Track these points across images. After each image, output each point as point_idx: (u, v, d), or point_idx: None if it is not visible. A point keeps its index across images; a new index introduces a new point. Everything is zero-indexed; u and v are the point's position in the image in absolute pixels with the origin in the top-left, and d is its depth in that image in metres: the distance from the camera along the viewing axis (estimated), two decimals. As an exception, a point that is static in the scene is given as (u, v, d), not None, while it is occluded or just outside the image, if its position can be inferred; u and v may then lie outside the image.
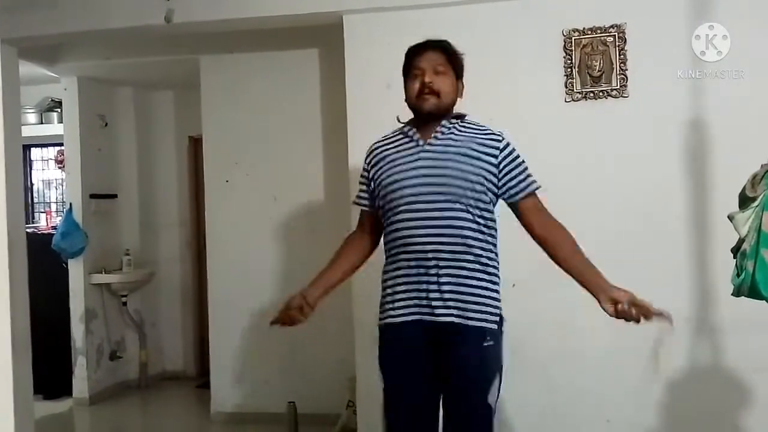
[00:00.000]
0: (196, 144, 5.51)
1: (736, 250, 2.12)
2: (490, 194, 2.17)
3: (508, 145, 2.20)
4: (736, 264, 2.11)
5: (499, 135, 2.22)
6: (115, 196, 5.45)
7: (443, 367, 2.14)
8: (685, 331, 3.19)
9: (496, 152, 2.16)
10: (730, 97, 3.13)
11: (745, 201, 2.09)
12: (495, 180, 2.17)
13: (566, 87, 3.35)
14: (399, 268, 2.19)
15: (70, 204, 5.08)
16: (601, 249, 3.20)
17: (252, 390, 4.55)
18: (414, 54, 2.23)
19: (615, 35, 3.29)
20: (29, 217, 6.10)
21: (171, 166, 5.75)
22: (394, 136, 2.29)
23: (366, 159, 2.34)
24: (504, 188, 2.19)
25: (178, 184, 5.75)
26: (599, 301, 2.06)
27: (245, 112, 4.57)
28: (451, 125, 2.20)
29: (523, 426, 3.36)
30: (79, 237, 5.00)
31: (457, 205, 2.11)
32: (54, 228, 5.29)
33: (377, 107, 3.45)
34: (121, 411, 5.09)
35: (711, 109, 3.16)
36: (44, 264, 4.81)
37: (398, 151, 2.22)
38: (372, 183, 2.28)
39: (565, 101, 3.35)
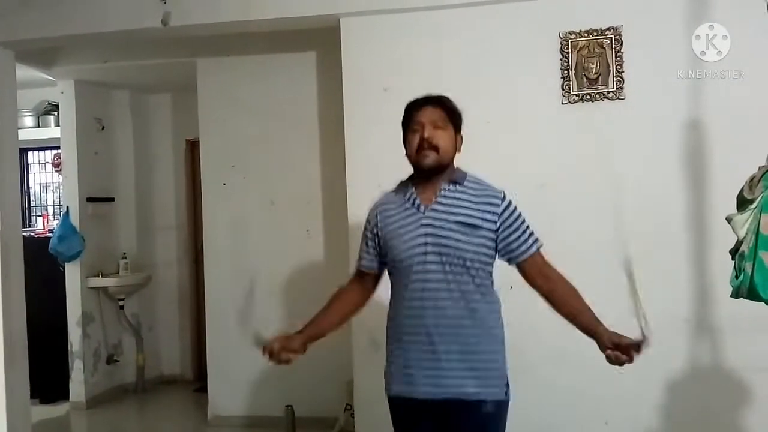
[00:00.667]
0: (193, 147, 5.51)
1: (734, 252, 2.12)
2: (491, 260, 2.19)
3: (507, 206, 2.19)
4: (734, 266, 2.11)
5: (498, 196, 2.19)
6: (112, 199, 5.45)
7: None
8: (684, 332, 3.19)
9: (495, 218, 2.15)
10: (727, 99, 3.13)
11: (743, 203, 2.09)
12: (494, 246, 2.17)
13: (563, 89, 3.35)
14: (400, 340, 2.19)
15: (67, 207, 5.08)
16: (599, 251, 3.23)
17: (249, 394, 4.54)
18: (413, 109, 2.22)
19: (611, 37, 3.29)
20: (26, 220, 6.10)
21: (168, 170, 5.75)
22: (396, 197, 2.27)
23: (370, 217, 2.32)
24: (503, 251, 2.19)
25: (176, 188, 5.75)
26: (601, 343, 2.07)
27: (242, 115, 4.56)
28: (451, 190, 2.19)
29: (522, 428, 3.34)
30: (76, 240, 5.00)
31: (462, 277, 2.12)
32: (51, 231, 5.28)
33: (374, 110, 3.46)
34: (118, 415, 5.08)
35: (708, 111, 3.16)
36: (41, 268, 4.80)
37: (401, 216, 2.22)
38: (377, 241, 2.28)
39: (562, 103, 3.35)
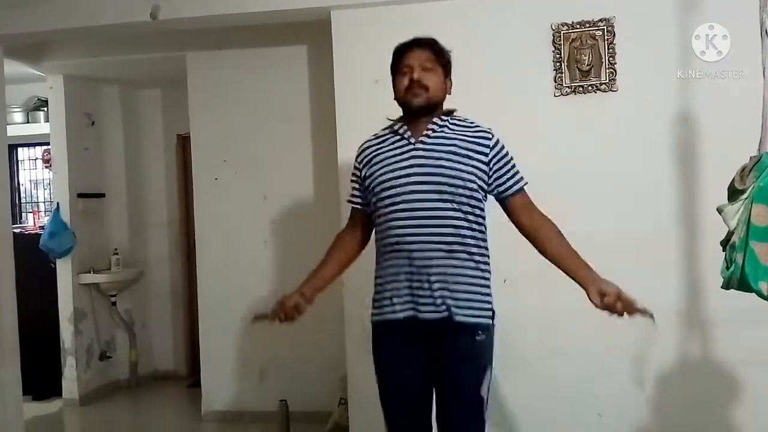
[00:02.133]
0: (184, 142, 5.48)
1: (725, 243, 2.12)
2: (480, 192, 2.20)
3: (497, 142, 2.23)
4: (725, 257, 2.11)
5: (488, 132, 2.25)
6: (102, 195, 5.42)
7: (436, 361, 2.17)
8: (674, 325, 3.20)
9: (487, 150, 2.19)
10: (718, 90, 3.13)
11: (734, 193, 2.09)
12: (485, 177, 2.20)
13: (555, 81, 3.34)
14: (391, 266, 2.21)
15: (58, 204, 5.05)
16: (591, 242, 3.22)
17: (243, 389, 4.53)
18: (402, 52, 2.25)
19: (604, 29, 3.28)
20: (17, 217, 6.06)
21: (159, 165, 5.72)
22: (385, 134, 2.30)
23: (357, 158, 2.35)
24: (494, 185, 2.22)
25: (167, 183, 5.72)
26: (587, 293, 2.10)
27: (233, 110, 4.54)
28: (442, 122, 2.23)
29: (515, 420, 3.36)
30: (67, 237, 4.97)
31: (450, 204, 2.14)
32: (42, 228, 5.25)
33: (366, 103, 3.45)
34: (112, 411, 5.07)
35: (700, 103, 3.16)
36: (32, 264, 4.76)
37: (390, 150, 2.24)
38: (364, 181, 2.30)
39: (554, 95, 3.34)
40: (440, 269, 2.14)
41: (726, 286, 2.11)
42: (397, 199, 2.17)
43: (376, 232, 2.30)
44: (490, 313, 2.20)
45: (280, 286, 4.37)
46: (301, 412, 4.18)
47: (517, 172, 2.26)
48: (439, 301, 2.13)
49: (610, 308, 2.04)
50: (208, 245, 4.61)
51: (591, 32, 3.31)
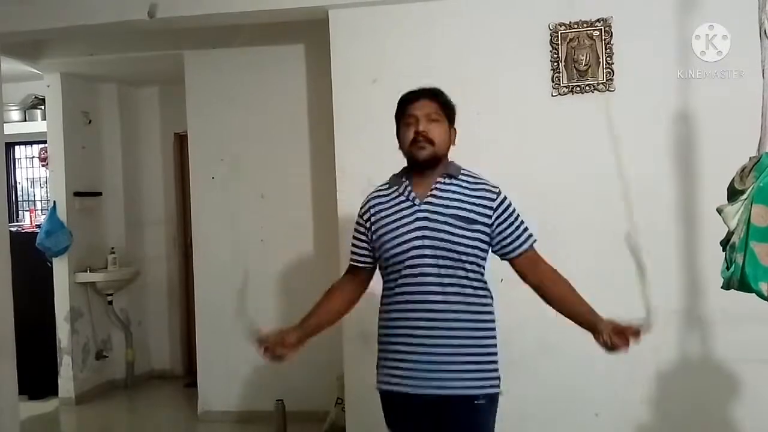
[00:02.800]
0: (181, 140, 5.47)
1: (725, 243, 2.11)
2: (485, 254, 2.17)
3: (502, 201, 2.18)
4: (725, 257, 2.10)
5: (494, 190, 2.19)
6: (99, 193, 5.40)
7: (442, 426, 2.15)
8: (674, 324, 3.20)
9: (490, 212, 2.15)
10: (717, 90, 3.13)
11: (734, 194, 2.08)
12: (488, 240, 2.16)
13: (553, 81, 3.34)
14: (395, 329, 2.17)
15: (54, 202, 5.03)
16: (589, 243, 3.23)
17: (240, 388, 4.52)
18: (407, 102, 2.20)
19: (601, 29, 3.28)
20: (14, 215, 6.04)
21: (156, 163, 5.71)
22: (389, 190, 2.24)
23: (362, 213, 2.28)
24: (498, 246, 2.18)
25: (164, 182, 5.71)
26: (595, 336, 2.08)
27: (231, 108, 4.53)
28: (447, 183, 2.17)
29: (513, 420, 3.34)
30: (63, 235, 4.95)
31: (454, 272, 2.11)
32: (38, 226, 5.23)
33: (363, 102, 3.45)
34: (108, 411, 5.06)
35: (698, 102, 3.16)
36: (28, 263, 4.76)
37: (395, 210, 2.19)
38: (369, 235, 2.24)
39: (552, 95, 3.34)
40: (440, 340, 2.10)
41: (726, 286, 2.10)
42: (402, 266, 2.14)
43: (383, 281, 2.25)
44: (497, 382, 2.17)
45: (277, 285, 4.39)
46: (298, 412, 4.17)
47: (525, 230, 2.20)
48: (437, 375, 2.09)
49: (609, 347, 2.02)
50: (205, 244, 4.60)
51: (588, 32, 3.30)
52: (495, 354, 2.18)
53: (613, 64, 3.28)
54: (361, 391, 3.43)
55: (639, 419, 3.28)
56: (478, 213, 2.13)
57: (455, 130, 2.24)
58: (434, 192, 2.15)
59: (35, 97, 5.51)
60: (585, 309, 2.13)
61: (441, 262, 2.10)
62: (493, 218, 2.14)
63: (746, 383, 3.15)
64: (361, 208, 2.29)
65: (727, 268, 2.07)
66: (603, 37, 3.29)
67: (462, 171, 2.21)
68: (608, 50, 3.28)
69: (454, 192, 2.16)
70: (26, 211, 6.07)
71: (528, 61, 3.37)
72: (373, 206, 2.25)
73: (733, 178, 2.10)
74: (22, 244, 4.75)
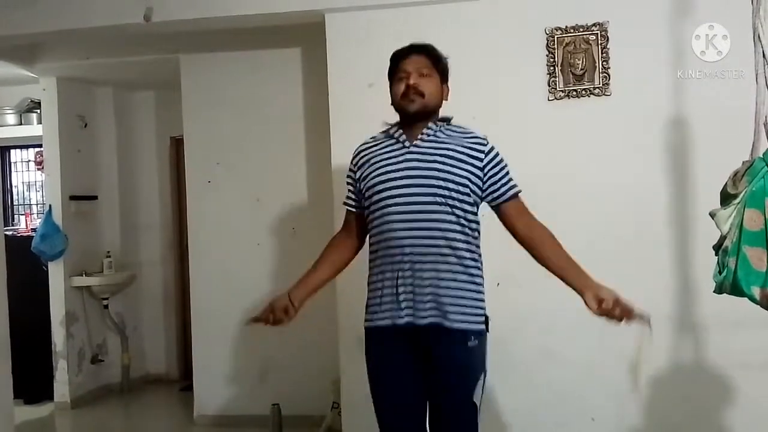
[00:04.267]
0: (177, 144, 5.46)
1: (717, 248, 2.12)
2: (474, 196, 2.19)
3: (492, 149, 2.23)
4: (717, 261, 2.11)
5: (483, 139, 2.25)
6: (95, 197, 5.39)
7: (428, 367, 2.17)
8: (667, 329, 3.20)
9: (481, 155, 2.19)
10: (711, 95, 3.14)
11: (726, 198, 2.09)
12: (480, 183, 2.20)
13: (549, 85, 3.35)
14: (383, 271, 2.20)
15: (50, 206, 5.02)
16: (583, 247, 3.21)
17: (236, 392, 4.51)
18: (399, 57, 2.25)
19: (597, 33, 3.29)
20: (9, 219, 6.02)
21: (152, 167, 5.70)
22: (380, 137, 2.31)
23: (352, 161, 2.35)
24: (488, 191, 2.22)
25: (160, 186, 5.70)
26: (584, 299, 2.10)
27: (227, 112, 4.53)
28: (437, 127, 2.23)
29: (508, 424, 3.36)
30: (59, 239, 4.94)
31: (443, 207, 2.14)
32: (34, 230, 5.22)
33: (360, 106, 3.45)
34: (104, 415, 5.03)
35: (693, 107, 3.17)
36: (24, 267, 4.75)
37: (384, 152, 2.24)
38: (358, 183, 2.30)
39: (548, 100, 3.35)
40: (431, 274, 2.13)
41: (718, 290, 2.11)
42: (390, 201, 2.17)
43: (369, 236, 2.29)
44: (482, 319, 2.19)
45: (273, 289, 4.38)
46: (294, 416, 4.16)
47: (512, 179, 2.26)
48: (429, 306, 2.13)
49: (608, 314, 2.04)
50: (201, 248, 4.59)
51: (585, 36, 3.31)
52: (482, 292, 2.21)
53: (609, 68, 3.29)
54: (357, 395, 3.42)
55: (635, 424, 3.28)
56: (469, 155, 2.18)
57: (448, 87, 2.29)
58: (424, 136, 2.20)
59: (31, 101, 5.49)
60: (576, 268, 2.16)
61: (428, 198, 2.13)
62: (485, 162, 2.19)
63: (740, 388, 3.15)
64: (352, 160, 2.36)
65: (720, 273, 2.08)
66: (599, 42, 3.30)
67: (452, 120, 2.27)
68: (604, 54, 3.29)
69: (445, 135, 2.21)
70: (22, 214, 6.05)
71: (524, 66, 3.38)
72: (362, 151, 2.31)
73: (726, 183, 2.11)
74: (18, 247, 4.73)
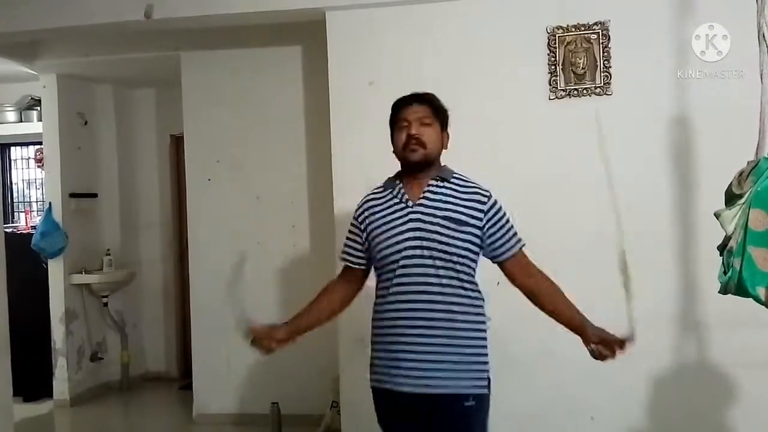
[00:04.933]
0: (177, 142, 5.45)
1: (722, 248, 2.11)
2: (476, 256, 2.20)
3: (493, 205, 2.21)
4: (722, 262, 2.10)
5: (485, 194, 2.22)
6: (95, 195, 5.38)
7: (431, 429, 2.17)
8: (670, 329, 3.20)
9: (481, 215, 2.18)
10: (714, 94, 3.13)
11: (731, 198, 2.08)
12: (479, 242, 2.19)
13: (550, 84, 3.34)
14: (387, 327, 2.20)
15: (50, 203, 5.02)
16: (585, 246, 3.23)
17: (235, 391, 4.51)
18: (400, 106, 2.24)
19: (599, 33, 3.28)
20: (9, 216, 6.02)
21: (152, 165, 5.69)
22: (384, 191, 2.28)
23: (357, 215, 2.32)
24: (489, 249, 2.22)
25: (160, 183, 5.69)
26: (583, 340, 2.14)
27: (227, 110, 4.52)
28: (439, 186, 2.20)
29: (508, 423, 3.34)
30: (59, 237, 4.94)
31: (447, 272, 2.14)
32: (33, 228, 5.21)
33: (360, 104, 3.44)
34: (103, 413, 5.03)
35: (695, 106, 3.16)
36: (24, 264, 4.74)
37: (388, 211, 2.22)
38: (364, 236, 2.28)
39: (549, 99, 3.34)
40: (435, 341, 2.12)
41: (723, 291, 2.10)
42: (396, 266, 2.16)
43: (376, 281, 2.28)
44: (484, 383, 2.19)
45: (273, 288, 4.38)
46: (293, 415, 4.16)
47: (514, 235, 2.23)
48: (430, 374, 2.12)
49: (597, 357, 2.09)
50: (201, 246, 4.58)
51: (586, 35, 3.30)
52: (486, 355, 2.20)
53: (610, 67, 3.28)
54: (356, 394, 3.41)
55: (635, 423, 3.27)
56: (470, 216, 2.16)
57: (448, 134, 2.28)
58: (426, 194, 2.19)
59: (31, 98, 5.49)
60: (575, 314, 2.17)
61: (434, 262, 2.13)
62: (485, 221, 2.18)
63: (742, 388, 3.14)
64: (356, 210, 2.33)
65: (725, 273, 2.07)
66: (600, 41, 3.29)
67: (454, 174, 2.25)
68: (605, 54, 3.28)
69: (445, 195, 2.19)
70: (22, 212, 6.05)
71: (525, 65, 3.36)
72: (368, 208, 2.28)
73: (731, 183, 2.09)
74: (18, 245, 4.73)
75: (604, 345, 2.06)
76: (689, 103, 3.17)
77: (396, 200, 2.22)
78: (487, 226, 2.18)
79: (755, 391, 3.13)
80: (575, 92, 3.31)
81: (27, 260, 4.85)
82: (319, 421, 4.08)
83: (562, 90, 3.33)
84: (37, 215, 5.71)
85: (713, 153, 3.06)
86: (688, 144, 3.17)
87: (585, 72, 3.31)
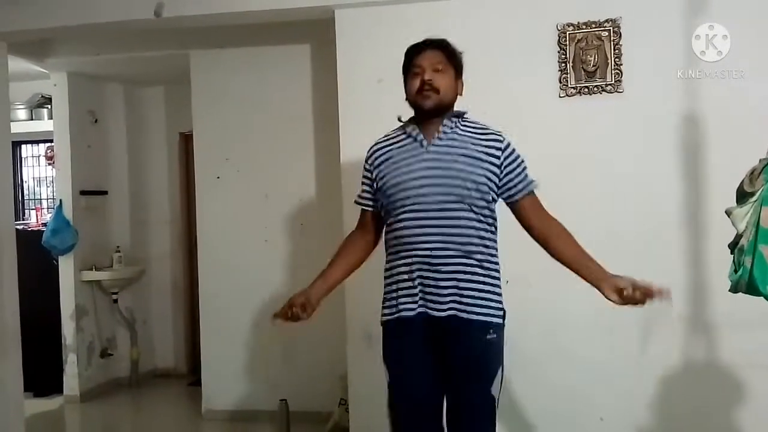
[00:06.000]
0: (186, 140, 5.47)
1: (733, 246, 2.10)
2: (492, 194, 2.21)
3: (509, 145, 2.24)
4: (733, 260, 2.09)
5: (500, 135, 2.25)
6: (105, 192, 5.41)
7: (447, 360, 2.18)
8: (679, 328, 3.18)
9: (498, 153, 2.20)
10: (726, 92, 3.11)
11: (743, 196, 2.07)
12: (497, 180, 2.20)
13: (560, 82, 3.32)
14: (403, 265, 2.21)
15: (60, 201, 5.04)
16: (595, 245, 3.20)
17: (244, 388, 4.52)
18: (413, 53, 2.24)
19: (610, 30, 3.26)
20: (20, 214, 6.05)
21: (161, 163, 5.71)
22: (396, 135, 2.30)
23: (368, 159, 2.34)
24: (504, 188, 2.23)
25: (169, 181, 5.71)
26: (602, 292, 2.11)
27: (236, 108, 4.53)
28: (453, 125, 2.22)
29: (517, 423, 3.34)
30: (69, 234, 4.97)
31: (462, 205, 2.15)
32: (44, 225, 5.24)
33: (369, 102, 3.44)
34: (112, 409, 5.06)
35: (707, 104, 3.14)
36: (34, 261, 4.77)
37: (402, 152, 2.24)
38: (375, 183, 2.29)
39: (560, 96, 3.33)
40: (450, 268, 2.14)
41: (734, 289, 2.09)
42: (409, 201, 2.18)
43: (386, 233, 2.30)
44: (501, 313, 2.21)
45: (281, 285, 4.38)
46: (302, 412, 4.16)
47: (528, 175, 2.26)
48: (448, 299, 2.14)
49: (631, 301, 2.05)
50: (210, 243, 4.60)
51: (597, 33, 3.29)
52: (499, 287, 2.23)
53: (621, 65, 3.26)
54: (365, 392, 3.43)
55: (644, 424, 3.26)
56: (487, 154, 2.18)
57: (462, 81, 2.28)
58: (441, 135, 2.20)
59: (42, 96, 5.52)
60: (590, 262, 2.16)
61: (447, 198, 2.14)
62: (502, 159, 2.20)
63: (752, 388, 3.12)
64: (367, 155, 2.35)
65: (735, 272, 2.06)
66: (611, 38, 3.27)
67: (469, 117, 2.27)
68: (617, 51, 3.26)
69: (461, 134, 2.21)
70: (32, 209, 6.09)
71: (535, 62, 3.35)
72: (378, 150, 2.30)
73: (743, 180, 2.09)
74: (28, 242, 4.76)
75: (635, 288, 2.03)
76: (701, 100, 3.15)
77: (410, 140, 2.23)
78: (504, 164, 2.19)
79: (765, 391, 3.11)
80: (586, 90, 3.30)
81: (38, 257, 4.88)
82: (328, 418, 4.08)
83: (573, 88, 3.31)
84: (48, 212, 5.73)
85: (725, 151, 3.04)
86: (700, 141, 3.15)
87: (596, 69, 3.30)
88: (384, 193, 2.24)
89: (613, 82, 3.27)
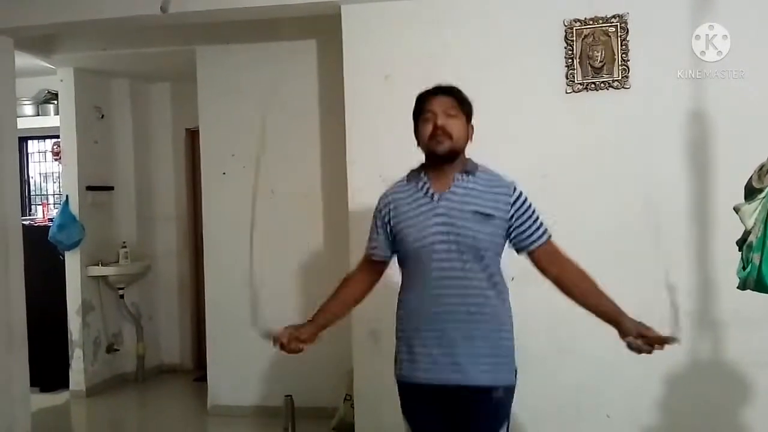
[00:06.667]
0: (193, 136, 5.48)
1: (741, 243, 2.09)
2: (502, 248, 2.20)
3: (519, 196, 2.20)
4: (741, 257, 2.08)
5: (510, 186, 2.21)
6: (111, 188, 5.42)
7: (455, 419, 2.17)
8: (686, 325, 3.17)
9: (508, 207, 2.17)
10: (733, 89, 3.10)
11: (751, 192, 2.06)
12: (506, 234, 2.19)
13: (567, 78, 3.31)
14: (413, 320, 2.19)
15: (67, 196, 5.06)
16: (602, 241, 3.20)
17: (249, 383, 4.53)
18: (425, 98, 2.22)
19: (617, 25, 3.25)
20: (26, 209, 6.07)
21: (168, 158, 5.72)
22: (408, 185, 2.26)
23: (380, 207, 2.30)
24: (515, 240, 2.20)
25: (175, 177, 5.72)
26: (620, 330, 2.12)
27: (242, 104, 4.53)
28: (464, 180, 2.19)
29: (523, 420, 3.33)
30: (75, 229, 4.98)
31: (474, 265, 2.13)
32: (51, 220, 5.26)
33: (375, 98, 3.44)
34: (118, 404, 5.08)
35: (714, 101, 3.12)
36: (41, 256, 4.79)
37: (414, 205, 2.21)
38: (388, 229, 2.27)
39: (566, 92, 3.31)
40: (461, 332, 2.12)
41: (742, 286, 2.08)
42: (425, 259, 2.15)
43: (402, 275, 2.27)
44: (512, 375, 2.20)
45: (288, 282, 4.39)
46: (307, 408, 4.16)
47: (540, 225, 2.21)
48: (455, 365, 2.12)
49: (635, 350, 2.06)
50: (216, 239, 4.61)
51: (604, 28, 3.27)
52: (512, 346, 2.20)
53: (628, 61, 3.24)
54: (370, 388, 3.43)
55: (650, 421, 3.25)
56: (496, 208, 2.15)
57: (472, 126, 2.25)
58: (453, 189, 2.17)
59: (48, 92, 5.54)
60: (608, 304, 2.14)
61: (461, 257, 2.12)
62: (511, 212, 2.16)
63: (759, 387, 3.11)
64: (380, 203, 2.31)
65: (744, 268, 2.05)
66: (619, 34, 3.26)
67: (479, 168, 2.23)
68: (624, 47, 3.25)
69: (472, 189, 2.18)
70: (39, 205, 6.10)
71: (542, 58, 3.34)
72: (392, 201, 2.26)
73: (751, 177, 2.08)
74: (35, 237, 4.77)
75: (644, 340, 2.03)
76: (708, 97, 3.13)
77: (421, 193, 2.20)
78: (514, 217, 2.16)
79: (772, 389, 3.10)
80: (593, 86, 3.29)
81: (44, 252, 4.89)
82: (333, 414, 4.09)
83: (579, 83, 3.30)
84: (54, 208, 5.75)
85: (732, 147, 3.03)
86: (707, 138, 3.13)
87: (603, 65, 3.28)
88: (398, 242, 2.23)
89: (620, 78, 3.25)
